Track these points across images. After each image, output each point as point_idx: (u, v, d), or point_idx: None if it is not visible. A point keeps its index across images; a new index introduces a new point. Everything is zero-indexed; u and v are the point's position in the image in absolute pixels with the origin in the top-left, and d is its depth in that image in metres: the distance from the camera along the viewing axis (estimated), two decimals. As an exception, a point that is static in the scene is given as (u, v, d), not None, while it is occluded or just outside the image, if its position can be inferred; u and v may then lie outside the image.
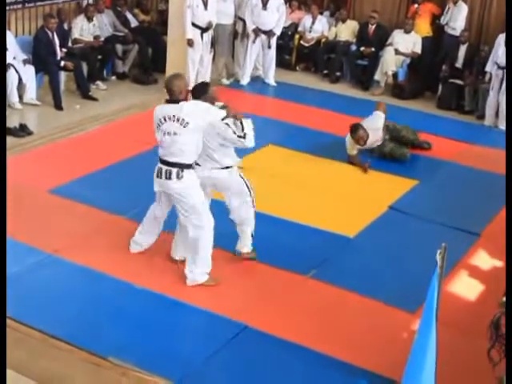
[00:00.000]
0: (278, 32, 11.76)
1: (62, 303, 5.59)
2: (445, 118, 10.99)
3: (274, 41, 11.79)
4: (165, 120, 5.69)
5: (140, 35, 12.07)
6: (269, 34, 11.65)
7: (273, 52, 11.86)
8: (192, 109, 5.68)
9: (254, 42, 11.66)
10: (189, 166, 5.77)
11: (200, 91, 5.98)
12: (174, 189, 5.78)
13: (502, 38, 10.31)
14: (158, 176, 5.84)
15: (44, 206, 7.11)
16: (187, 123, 5.62)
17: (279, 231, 6.93)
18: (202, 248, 5.84)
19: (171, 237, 6.22)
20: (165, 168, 5.76)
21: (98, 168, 7.91)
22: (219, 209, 6.17)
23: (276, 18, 11.60)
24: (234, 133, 5.86)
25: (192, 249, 5.87)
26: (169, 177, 5.75)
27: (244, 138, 5.89)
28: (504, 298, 4.33)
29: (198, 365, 5.01)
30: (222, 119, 5.78)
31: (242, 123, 5.87)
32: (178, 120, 5.63)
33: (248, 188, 6.23)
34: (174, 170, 5.73)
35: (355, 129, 8.75)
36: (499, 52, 10.44)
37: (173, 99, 5.72)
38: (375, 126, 8.89)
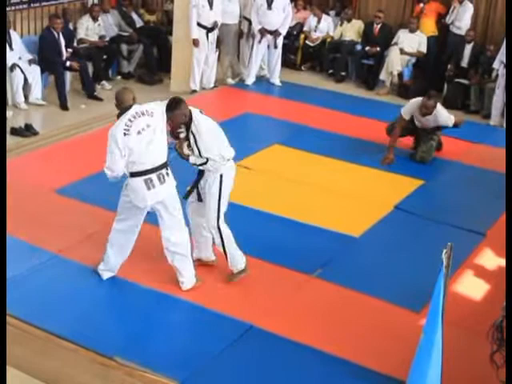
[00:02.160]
0: (283, 32, 11.73)
1: (67, 303, 5.59)
2: (450, 118, 10.97)
3: (280, 41, 11.78)
4: (130, 121, 5.41)
5: (145, 35, 12.09)
6: (275, 33, 11.64)
7: (278, 52, 11.84)
8: (150, 105, 5.59)
9: (259, 42, 11.65)
10: (168, 165, 5.59)
11: (171, 107, 5.71)
12: (169, 191, 5.56)
13: (510, 37, 10.29)
14: (149, 188, 5.45)
15: (49, 206, 7.12)
16: (152, 112, 5.48)
17: (285, 231, 6.93)
18: (188, 249, 5.78)
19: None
20: (155, 175, 5.46)
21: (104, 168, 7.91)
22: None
23: (282, 17, 11.58)
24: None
25: (181, 254, 5.75)
26: (163, 180, 5.49)
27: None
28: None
29: (204, 365, 5.01)
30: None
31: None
32: (143, 114, 5.46)
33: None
34: (163, 171, 5.51)
35: (431, 96, 8.82)
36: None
37: (126, 106, 5.53)
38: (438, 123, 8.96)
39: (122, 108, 5.54)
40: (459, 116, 10.97)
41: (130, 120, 5.42)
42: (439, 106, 8.93)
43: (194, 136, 5.70)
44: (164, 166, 5.52)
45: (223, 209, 5.86)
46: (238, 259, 5.97)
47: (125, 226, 5.77)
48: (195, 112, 5.78)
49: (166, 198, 5.57)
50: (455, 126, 9.08)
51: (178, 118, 5.67)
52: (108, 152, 5.45)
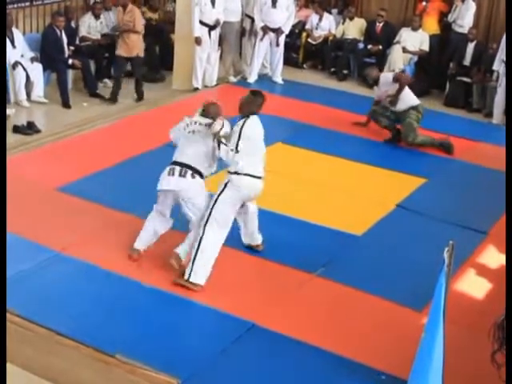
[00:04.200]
0: (286, 30, 11.73)
1: (70, 301, 5.60)
2: (452, 116, 10.97)
3: (282, 39, 11.78)
4: (195, 123, 6.11)
5: (147, 33, 12.05)
6: (277, 31, 11.63)
7: (281, 50, 11.83)
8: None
9: (261, 39, 11.65)
10: (202, 175, 6.00)
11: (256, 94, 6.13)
12: (188, 185, 5.91)
13: (509, 36, 10.29)
14: (169, 174, 5.96)
15: (52, 204, 7.11)
16: (208, 128, 5.97)
17: (287, 229, 6.92)
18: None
19: (180, 235, 6.20)
20: (179, 167, 5.95)
21: (106, 166, 7.91)
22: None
23: (285, 16, 11.57)
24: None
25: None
26: (183, 175, 5.93)
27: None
28: None
29: (206, 363, 5.01)
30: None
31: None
32: (205, 125, 6.04)
33: None
34: (189, 171, 5.94)
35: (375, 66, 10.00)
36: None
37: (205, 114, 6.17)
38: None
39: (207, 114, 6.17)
40: (462, 114, 11.07)
41: (194, 122, 6.13)
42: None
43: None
44: (192, 168, 5.94)
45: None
46: (201, 273, 5.82)
47: (157, 207, 6.19)
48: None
49: (182, 190, 5.93)
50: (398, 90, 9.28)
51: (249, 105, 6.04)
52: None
